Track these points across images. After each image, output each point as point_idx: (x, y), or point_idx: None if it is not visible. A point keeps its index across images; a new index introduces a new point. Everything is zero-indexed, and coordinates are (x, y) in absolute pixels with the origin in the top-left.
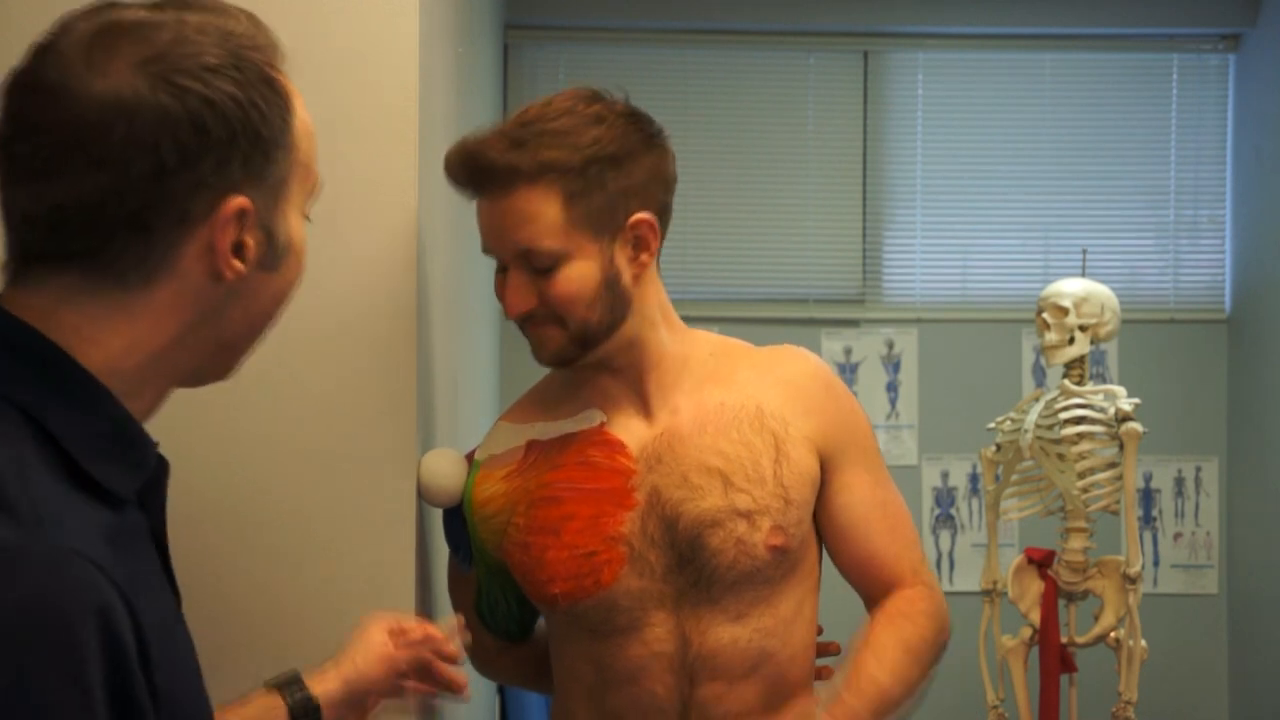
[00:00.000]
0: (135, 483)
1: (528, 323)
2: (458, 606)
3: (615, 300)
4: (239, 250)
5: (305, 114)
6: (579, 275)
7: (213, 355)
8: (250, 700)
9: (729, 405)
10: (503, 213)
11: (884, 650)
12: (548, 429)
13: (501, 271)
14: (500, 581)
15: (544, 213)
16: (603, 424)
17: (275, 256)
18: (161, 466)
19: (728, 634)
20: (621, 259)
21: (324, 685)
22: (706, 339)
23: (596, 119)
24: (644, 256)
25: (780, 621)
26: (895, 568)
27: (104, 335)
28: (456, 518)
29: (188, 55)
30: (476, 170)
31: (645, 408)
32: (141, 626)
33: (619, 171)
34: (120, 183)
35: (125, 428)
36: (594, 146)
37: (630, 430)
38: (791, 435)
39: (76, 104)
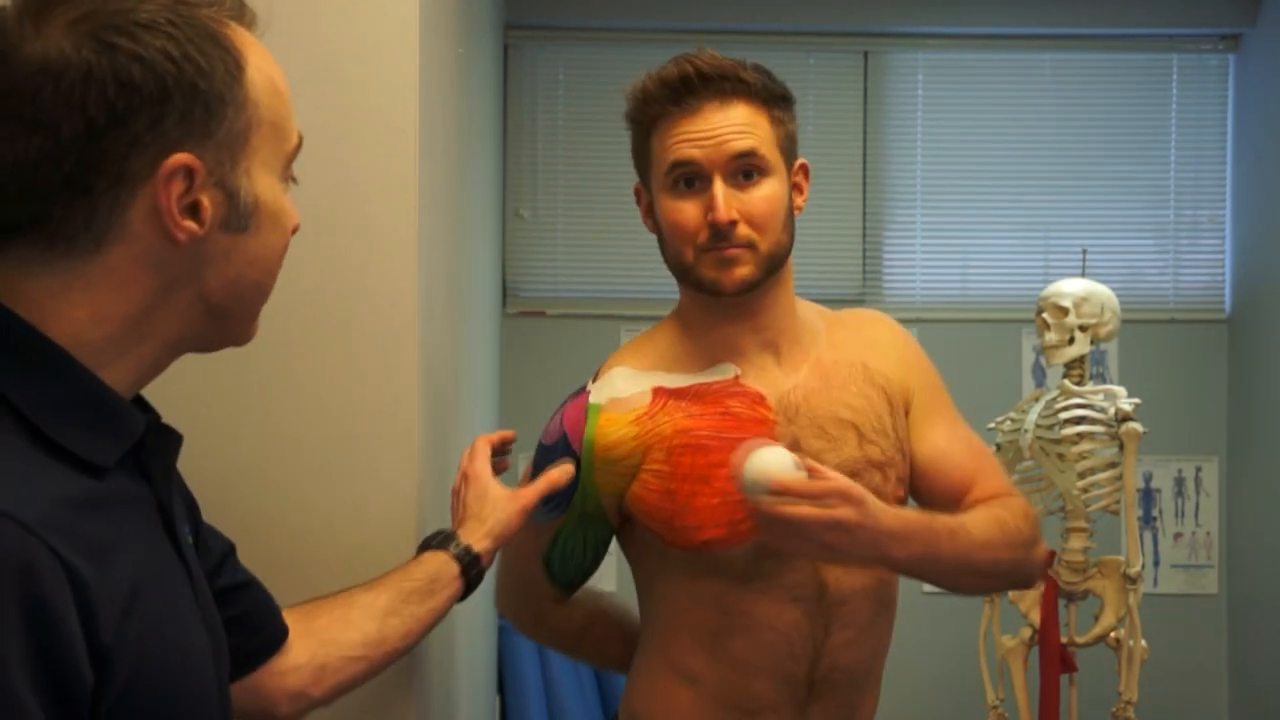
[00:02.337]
0: (114, 450)
1: (722, 242)
2: (517, 557)
3: (789, 231)
4: (196, 211)
5: (271, 71)
6: (777, 192)
7: (206, 321)
8: (421, 560)
9: (841, 363)
10: (724, 119)
11: (976, 514)
12: (674, 379)
13: (687, 190)
14: (585, 529)
15: (760, 125)
16: (737, 377)
17: (241, 217)
18: (165, 437)
19: (860, 580)
20: (792, 194)
21: (479, 543)
22: (806, 304)
23: (767, 72)
24: (800, 199)
25: (890, 572)
26: (988, 484)
27: (65, 308)
28: (556, 461)
29: (118, 12)
30: (705, 78)
31: (779, 361)
32: (88, 589)
33: (791, 115)
34: (52, 144)
35: (95, 394)
36: (780, 87)
37: (766, 383)
38: (894, 390)
39: (8, 70)
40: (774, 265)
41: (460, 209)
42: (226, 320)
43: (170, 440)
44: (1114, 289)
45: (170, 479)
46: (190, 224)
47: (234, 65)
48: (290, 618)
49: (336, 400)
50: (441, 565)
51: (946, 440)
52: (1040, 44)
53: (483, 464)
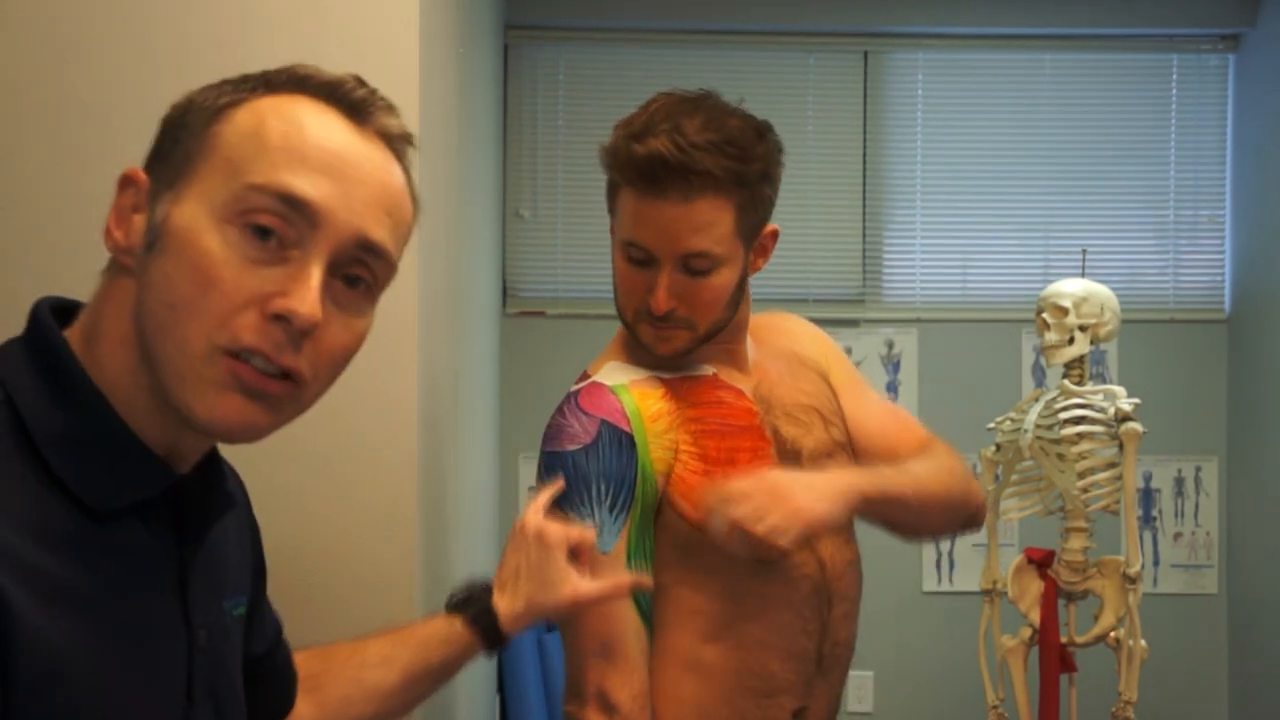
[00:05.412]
0: (119, 496)
1: (660, 322)
2: (605, 618)
3: (738, 300)
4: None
5: (275, 121)
6: (726, 281)
7: (148, 369)
8: (449, 638)
9: (778, 357)
10: (682, 216)
11: (916, 462)
12: (663, 375)
13: (638, 265)
14: (643, 537)
15: (721, 221)
16: (715, 374)
17: (150, 235)
18: (213, 497)
19: (847, 555)
20: (748, 264)
21: (511, 624)
22: None
23: (757, 134)
24: (761, 261)
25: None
26: (913, 437)
27: (108, 322)
28: (620, 457)
29: (204, 89)
30: (670, 170)
31: (737, 365)
32: (15, 622)
33: (769, 187)
34: None
35: (114, 436)
36: (761, 163)
37: (735, 381)
38: (822, 372)
39: None
40: (711, 336)
41: (460, 209)
42: (157, 370)
43: (218, 503)
44: (1114, 289)
45: (203, 540)
46: (118, 232)
47: (226, 104)
48: (299, 668)
49: (336, 400)
50: (465, 649)
51: (870, 409)
52: (1040, 44)
53: (556, 527)
